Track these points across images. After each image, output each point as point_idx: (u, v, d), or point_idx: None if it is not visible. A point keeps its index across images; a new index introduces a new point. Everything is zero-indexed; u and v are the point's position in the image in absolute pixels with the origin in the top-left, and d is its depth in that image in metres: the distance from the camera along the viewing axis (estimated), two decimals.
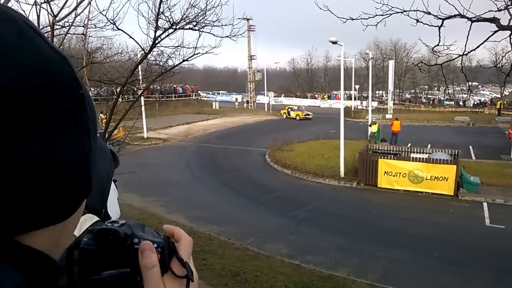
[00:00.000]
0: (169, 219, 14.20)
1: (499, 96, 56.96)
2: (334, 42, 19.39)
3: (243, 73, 69.35)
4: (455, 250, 11.97)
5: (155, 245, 0.66)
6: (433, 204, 16.04)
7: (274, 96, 56.50)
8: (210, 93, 72.33)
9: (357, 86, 51.25)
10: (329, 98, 63.57)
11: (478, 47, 4.00)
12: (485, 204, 15.69)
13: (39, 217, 0.46)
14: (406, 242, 12.53)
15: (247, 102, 56.56)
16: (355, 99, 52.96)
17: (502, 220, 14.13)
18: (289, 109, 45.53)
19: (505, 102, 47.26)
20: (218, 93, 72.29)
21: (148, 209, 15.20)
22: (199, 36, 8.65)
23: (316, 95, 68.01)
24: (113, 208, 3.95)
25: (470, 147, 25.69)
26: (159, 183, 18.91)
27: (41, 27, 6.52)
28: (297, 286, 9.44)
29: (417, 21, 5.17)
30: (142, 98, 29.21)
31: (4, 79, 0.41)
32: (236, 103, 57.41)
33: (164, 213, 14.86)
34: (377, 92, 64.52)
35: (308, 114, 44.13)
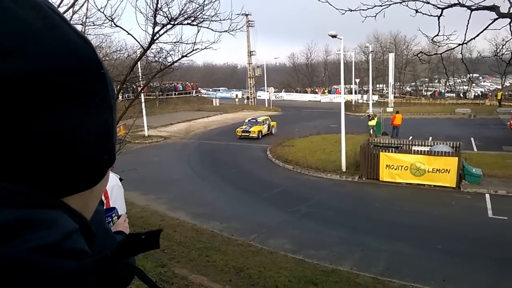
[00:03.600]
0: (172, 216, 14.22)
1: (500, 87, 56.79)
2: (334, 36, 19.30)
3: (243, 69, 69.24)
4: (458, 242, 11.95)
5: None
6: (435, 197, 16.02)
7: (274, 92, 56.41)
8: (210, 90, 72.21)
9: (357, 80, 51.10)
10: (329, 92, 63.45)
11: (478, 35, 3.96)
12: (487, 196, 15.65)
13: (73, 184, 0.51)
14: (408, 235, 12.51)
15: (247, 98, 56.43)
16: (355, 93, 52.81)
17: (505, 211, 14.09)
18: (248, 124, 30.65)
19: (506, 93, 47.07)
20: (218, 90, 72.17)
21: (150, 206, 15.21)
22: (198, 32, 8.63)
23: (317, 90, 67.89)
24: (121, 204, 3.96)
25: (472, 138, 25.62)
26: (160, 180, 18.91)
27: None
28: (300, 281, 9.44)
29: (416, 11, 5.12)
30: (142, 96, 29.20)
31: (32, 64, 0.44)
32: (237, 100, 57.35)
33: (167, 211, 14.87)
34: (377, 85, 64.35)
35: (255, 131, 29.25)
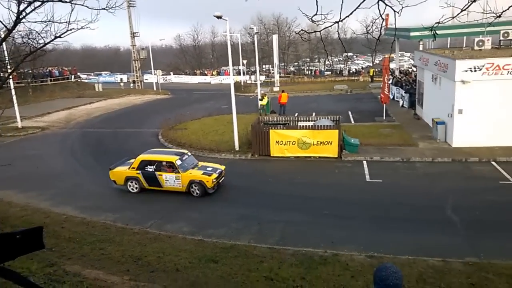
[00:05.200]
0: (57, 212, 13.17)
1: (371, 64, 62.77)
2: (219, 17, 19.26)
3: (127, 52, 65.67)
4: (342, 206, 13.14)
5: None
6: (320, 167, 17.31)
7: (163, 75, 54.70)
8: (92, 74, 67.33)
9: (244, 61, 52.03)
10: (218, 74, 63.66)
11: (351, 13, 4.29)
12: (364, 162, 17.40)
13: None
14: (300, 205, 13.38)
15: (134, 82, 53.85)
16: (243, 74, 53.81)
17: (379, 175, 15.85)
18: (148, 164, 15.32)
19: (377, 70, 52.12)
20: (101, 74, 67.65)
21: (31, 204, 13.86)
22: (72, 10, 7.91)
23: (206, 72, 67.59)
24: None
25: (349, 112, 28.07)
26: (41, 175, 17.29)
27: None
28: (201, 260, 9.52)
29: None
30: (12, 83, 25.96)
31: None
32: (122, 84, 54.33)
33: (51, 207, 13.71)
34: (264, 66, 66.34)
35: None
